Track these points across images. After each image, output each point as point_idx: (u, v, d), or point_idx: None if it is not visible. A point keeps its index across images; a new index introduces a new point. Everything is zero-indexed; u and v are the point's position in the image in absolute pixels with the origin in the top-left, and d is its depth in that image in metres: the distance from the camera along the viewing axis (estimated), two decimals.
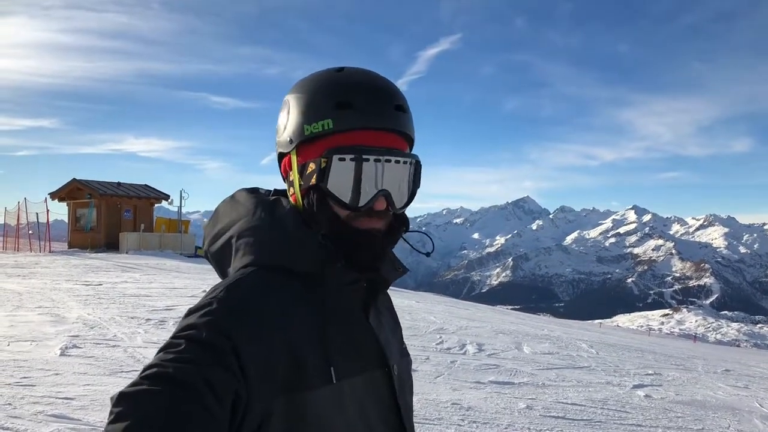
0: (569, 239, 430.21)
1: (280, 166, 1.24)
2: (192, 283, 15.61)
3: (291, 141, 1.16)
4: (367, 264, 1.14)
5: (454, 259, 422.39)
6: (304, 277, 1.11)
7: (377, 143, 1.12)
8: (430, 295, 26.17)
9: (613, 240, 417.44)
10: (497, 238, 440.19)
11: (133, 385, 0.92)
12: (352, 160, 1.09)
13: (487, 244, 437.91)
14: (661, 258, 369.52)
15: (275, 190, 1.28)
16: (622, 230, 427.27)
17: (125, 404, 0.89)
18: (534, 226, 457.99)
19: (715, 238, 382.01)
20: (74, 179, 32.03)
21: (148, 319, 9.55)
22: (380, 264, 1.16)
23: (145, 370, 0.94)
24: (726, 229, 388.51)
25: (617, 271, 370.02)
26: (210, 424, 0.89)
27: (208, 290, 1.09)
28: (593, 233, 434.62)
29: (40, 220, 30.75)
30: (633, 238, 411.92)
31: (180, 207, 33.08)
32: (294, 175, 1.17)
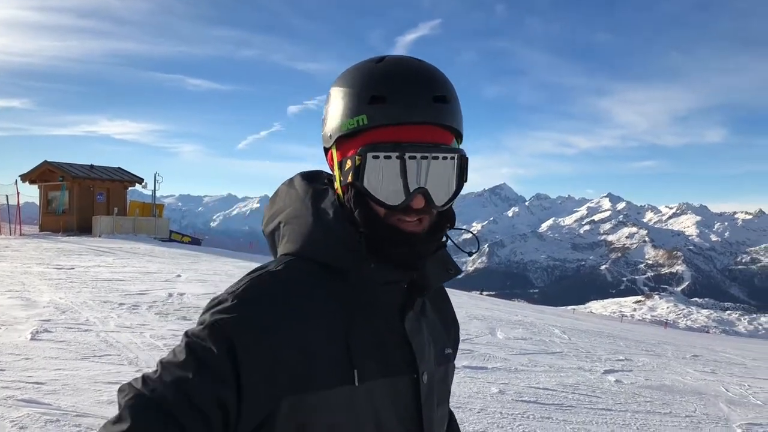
0: (545, 226, 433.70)
1: (326, 159, 1.19)
2: (166, 268, 15.49)
3: (330, 136, 1.13)
4: (405, 263, 1.09)
5: None
6: (339, 272, 1.09)
7: (415, 138, 1.06)
8: None
9: (587, 227, 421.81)
10: (473, 224, 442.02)
11: (118, 416, 0.99)
12: (386, 157, 1.05)
13: (463, 231, 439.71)
14: (635, 245, 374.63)
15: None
16: (596, 218, 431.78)
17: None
18: (510, 213, 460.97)
19: (688, 227, 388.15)
20: (46, 161, 31.45)
21: (121, 304, 9.46)
22: (419, 264, 1.11)
23: (142, 385, 1.01)
24: (698, 218, 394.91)
25: (591, 258, 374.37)
26: None
27: (246, 274, 1.10)
28: (568, 220, 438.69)
29: (10, 203, 30.19)
30: (607, 226, 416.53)
31: (154, 190, 32.76)
32: (335, 171, 1.14)
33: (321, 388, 1.01)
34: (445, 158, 1.08)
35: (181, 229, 53.75)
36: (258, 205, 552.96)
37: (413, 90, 1.07)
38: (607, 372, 8.02)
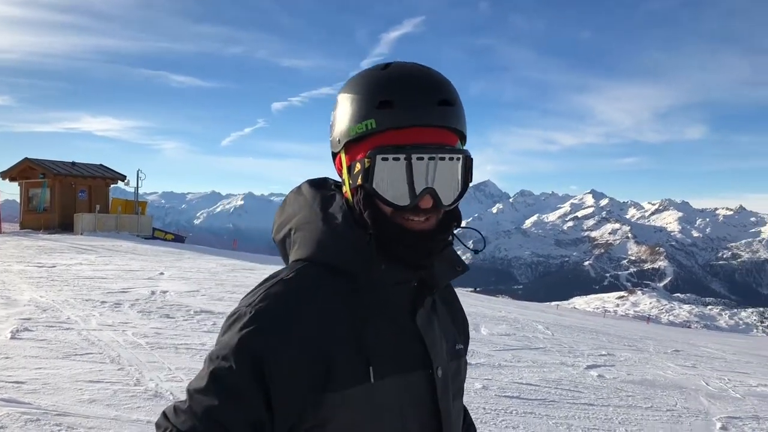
0: (528, 222, 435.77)
1: (334, 164, 1.22)
2: (149, 265, 15.38)
3: (339, 141, 1.16)
4: (414, 262, 1.13)
5: None
6: (350, 275, 1.12)
7: (422, 140, 1.09)
8: None
9: (571, 223, 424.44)
10: None
11: None
12: (395, 159, 1.08)
13: None
14: (618, 241, 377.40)
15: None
16: (580, 214, 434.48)
17: None
18: (494, 210, 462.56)
19: (670, 223, 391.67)
20: (26, 158, 31.07)
21: (103, 302, 9.39)
22: (428, 262, 1.15)
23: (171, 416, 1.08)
24: (680, 214, 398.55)
25: (575, 254, 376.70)
26: None
27: (259, 283, 1.13)
28: (552, 217, 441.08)
29: None
30: (590, 222, 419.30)
31: (137, 188, 32.45)
32: (344, 175, 1.17)
33: (339, 387, 1.06)
34: (451, 159, 1.11)
35: (164, 227, 53.40)
36: (242, 202, 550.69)
37: (419, 94, 1.10)
38: (589, 367, 8.09)
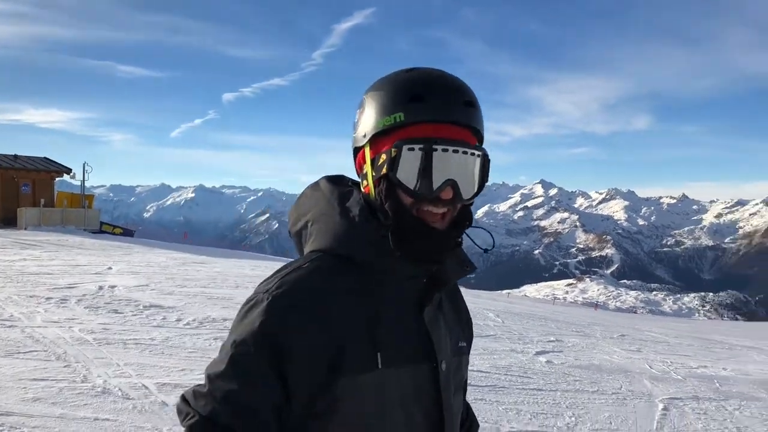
0: (480, 213, 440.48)
1: (355, 163, 1.27)
2: (96, 260, 15.02)
3: (365, 135, 1.20)
4: (428, 256, 1.17)
5: None
6: (364, 266, 1.17)
7: (447, 135, 1.15)
8: None
9: (521, 213, 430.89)
10: None
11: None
12: (420, 149, 1.13)
13: None
14: (566, 230, 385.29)
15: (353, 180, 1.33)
16: (530, 204, 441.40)
17: None
18: None
19: (617, 211, 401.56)
20: None
21: (48, 298, 9.13)
22: (441, 257, 1.19)
23: (191, 399, 1.12)
24: (626, 203, 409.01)
25: (525, 243, 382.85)
26: None
27: (275, 271, 1.18)
28: (503, 207, 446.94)
29: None
30: (540, 212, 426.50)
31: (83, 181, 31.63)
32: (367, 167, 1.21)
33: (350, 373, 1.10)
34: (473, 154, 1.17)
35: (112, 221, 52.17)
36: (193, 195, 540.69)
37: (448, 93, 1.17)
38: (538, 353, 8.27)
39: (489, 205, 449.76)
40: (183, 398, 1.14)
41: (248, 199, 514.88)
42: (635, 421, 5.56)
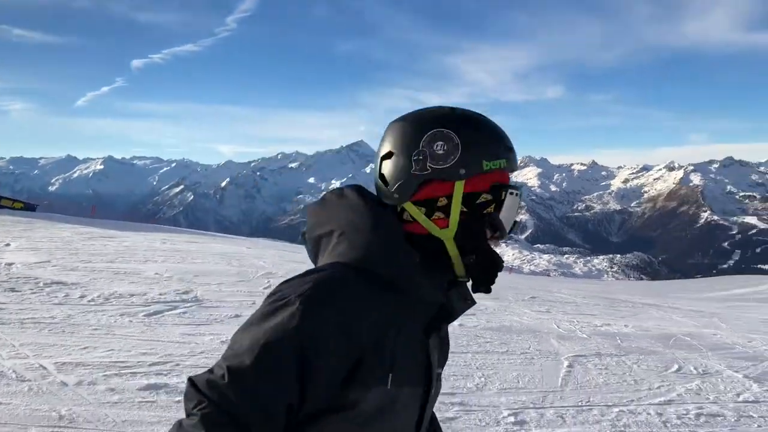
0: None
1: (419, 189, 1.27)
2: None
3: (464, 172, 1.25)
4: (489, 285, 1.29)
5: (291, 204, 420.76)
6: (391, 286, 1.20)
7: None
8: (263, 241, 25.95)
9: None
10: (333, 182, 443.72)
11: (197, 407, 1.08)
12: (516, 195, 1.31)
13: (323, 188, 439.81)
14: None
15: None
16: None
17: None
18: (368, 170, 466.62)
19: (530, 178, 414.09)
20: None
21: None
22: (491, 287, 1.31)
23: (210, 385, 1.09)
24: (539, 170, 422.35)
25: None
26: None
27: (299, 275, 1.19)
28: None
29: None
30: None
31: None
32: (456, 202, 1.26)
33: (360, 386, 1.14)
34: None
35: (14, 195, 49.42)
36: (102, 166, 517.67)
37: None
38: None
39: None
40: (193, 384, 1.11)
41: (161, 171, 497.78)
42: (542, 379, 5.77)
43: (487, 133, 1.30)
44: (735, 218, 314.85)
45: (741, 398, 5.76)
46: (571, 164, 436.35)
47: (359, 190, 1.33)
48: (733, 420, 5.15)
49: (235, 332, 1.15)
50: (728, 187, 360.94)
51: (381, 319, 1.17)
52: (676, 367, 6.72)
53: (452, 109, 1.33)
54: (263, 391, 1.07)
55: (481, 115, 1.35)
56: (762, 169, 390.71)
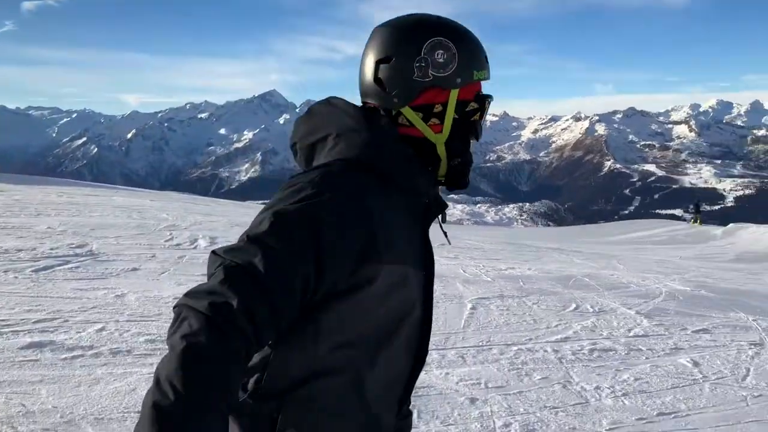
0: None
1: (416, 95, 1.35)
2: None
3: (460, 81, 1.36)
4: (466, 181, 1.44)
5: (201, 156, 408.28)
6: (390, 179, 1.29)
7: None
8: (169, 194, 25.08)
9: None
10: (245, 133, 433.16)
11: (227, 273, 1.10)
12: (490, 103, 1.43)
13: (234, 139, 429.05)
14: None
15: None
16: None
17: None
18: (281, 120, 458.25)
19: None
20: None
21: None
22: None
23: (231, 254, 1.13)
24: None
25: None
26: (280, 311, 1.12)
27: (306, 170, 1.29)
28: None
29: None
30: None
31: None
32: (450, 108, 1.36)
33: (375, 260, 1.21)
34: None
35: None
36: None
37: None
38: None
39: None
40: (214, 253, 1.15)
41: (60, 122, 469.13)
42: (445, 321, 5.85)
43: (475, 44, 1.40)
44: (636, 166, 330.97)
45: (632, 333, 6.06)
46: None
47: (343, 99, 1.41)
48: (623, 353, 5.42)
49: (254, 218, 1.20)
50: (630, 136, 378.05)
51: (385, 203, 1.26)
52: (573, 306, 6.99)
53: (439, 18, 1.40)
54: (282, 256, 1.11)
55: (463, 26, 1.43)
56: (661, 119, 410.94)
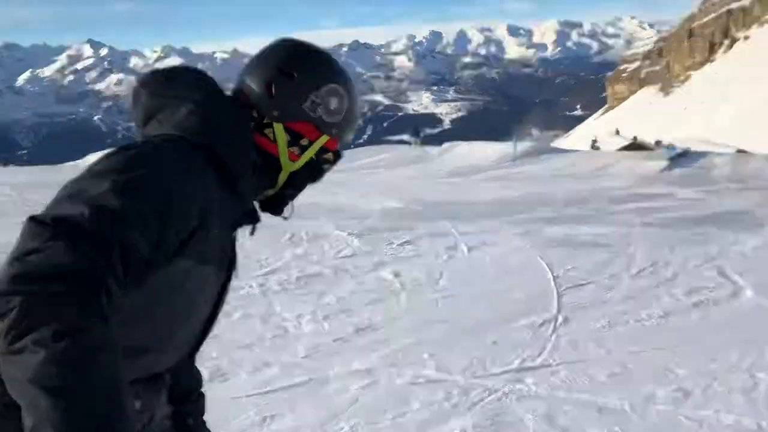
0: (21, 80, 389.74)
1: (286, 111, 1.32)
2: None
3: (335, 132, 1.37)
4: (272, 213, 1.40)
5: None
6: (221, 168, 1.21)
7: None
8: None
9: (72, 77, 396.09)
10: None
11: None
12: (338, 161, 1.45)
13: None
14: (125, 92, 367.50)
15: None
16: (80, 66, 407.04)
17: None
18: (21, 81, 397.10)
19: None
20: None
21: None
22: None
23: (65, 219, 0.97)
24: (180, 60, 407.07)
25: (82, 110, 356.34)
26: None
27: (149, 138, 1.21)
28: (48, 71, 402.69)
29: None
30: (93, 74, 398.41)
31: None
32: (313, 148, 1.35)
33: (188, 255, 1.12)
34: None
35: None
36: None
37: None
38: None
39: (31, 70, 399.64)
40: (35, 220, 0.96)
41: None
42: None
43: (358, 113, 1.43)
44: (365, 97, 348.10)
45: (341, 255, 6.14)
46: (214, 52, 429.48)
47: (213, 81, 1.35)
48: (331, 276, 5.43)
49: (72, 182, 1.05)
50: (357, 68, 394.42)
51: (212, 193, 1.17)
52: (288, 235, 6.87)
53: (347, 73, 1.42)
54: (132, 220, 1.00)
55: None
56: (383, 50, 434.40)
